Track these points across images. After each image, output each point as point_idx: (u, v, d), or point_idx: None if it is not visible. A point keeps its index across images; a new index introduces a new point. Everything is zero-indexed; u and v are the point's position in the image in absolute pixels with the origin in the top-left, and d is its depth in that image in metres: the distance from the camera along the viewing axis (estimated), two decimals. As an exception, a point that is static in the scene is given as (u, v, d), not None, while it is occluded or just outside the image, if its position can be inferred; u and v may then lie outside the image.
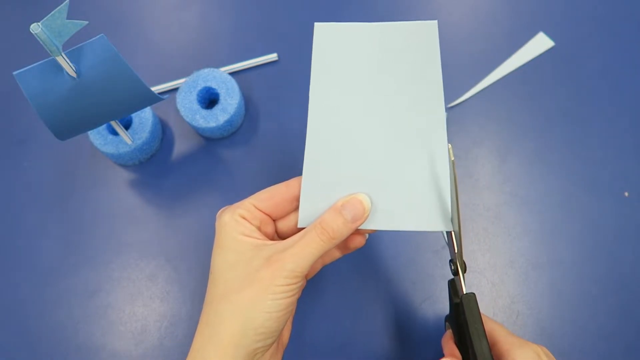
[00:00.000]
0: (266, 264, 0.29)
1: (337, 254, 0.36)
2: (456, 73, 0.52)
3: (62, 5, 0.32)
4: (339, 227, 0.30)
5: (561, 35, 0.54)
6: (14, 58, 0.54)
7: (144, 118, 0.48)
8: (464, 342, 0.33)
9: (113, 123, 0.43)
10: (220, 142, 0.51)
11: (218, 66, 0.52)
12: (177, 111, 0.48)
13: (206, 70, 0.49)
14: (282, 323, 0.30)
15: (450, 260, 0.34)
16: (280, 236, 0.35)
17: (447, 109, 0.51)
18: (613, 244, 0.46)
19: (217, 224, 0.32)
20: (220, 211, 0.33)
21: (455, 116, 0.51)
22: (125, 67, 0.37)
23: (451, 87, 0.51)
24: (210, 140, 0.51)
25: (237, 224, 0.31)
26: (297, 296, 0.30)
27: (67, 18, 0.33)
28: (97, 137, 0.47)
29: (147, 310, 0.45)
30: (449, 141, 0.32)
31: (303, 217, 0.32)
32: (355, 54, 0.35)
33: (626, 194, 0.48)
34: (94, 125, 0.41)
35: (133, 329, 0.45)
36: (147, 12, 0.57)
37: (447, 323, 0.39)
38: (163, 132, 0.51)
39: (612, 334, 0.43)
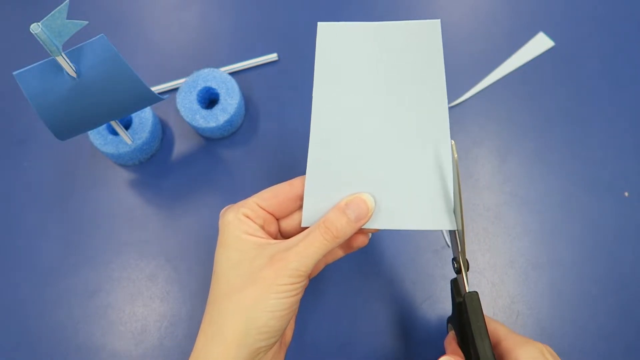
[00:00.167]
0: (269, 263, 0.29)
1: (340, 253, 0.36)
2: (456, 73, 0.51)
3: (62, 5, 0.32)
4: (343, 227, 0.30)
5: (561, 35, 0.54)
6: (14, 58, 0.54)
7: (144, 118, 0.48)
8: (466, 343, 0.33)
9: (113, 123, 0.43)
10: (220, 142, 0.51)
11: (218, 66, 0.52)
12: (177, 111, 0.48)
13: (206, 70, 0.49)
14: (285, 322, 0.30)
15: (453, 259, 0.34)
16: (283, 235, 0.35)
17: (448, 109, 0.51)
18: (613, 244, 0.46)
19: (220, 222, 0.32)
20: (223, 210, 0.33)
21: (455, 116, 0.51)
22: (125, 67, 0.37)
23: (451, 87, 0.51)
24: (210, 140, 0.51)
25: (240, 223, 0.31)
26: (300, 295, 0.30)
27: (67, 18, 0.33)
28: (97, 137, 0.47)
29: (147, 310, 0.45)
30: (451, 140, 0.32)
31: (307, 216, 0.32)
32: (358, 53, 0.35)
33: (626, 194, 0.48)
34: (94, 125, 0.41)
35: (133, 329, 0.44)
36: (147, 12, 0.57)
37: (449, 324, 0.39)
38: (163, 132, 0.51)
39: (612, 334, 0.43)
